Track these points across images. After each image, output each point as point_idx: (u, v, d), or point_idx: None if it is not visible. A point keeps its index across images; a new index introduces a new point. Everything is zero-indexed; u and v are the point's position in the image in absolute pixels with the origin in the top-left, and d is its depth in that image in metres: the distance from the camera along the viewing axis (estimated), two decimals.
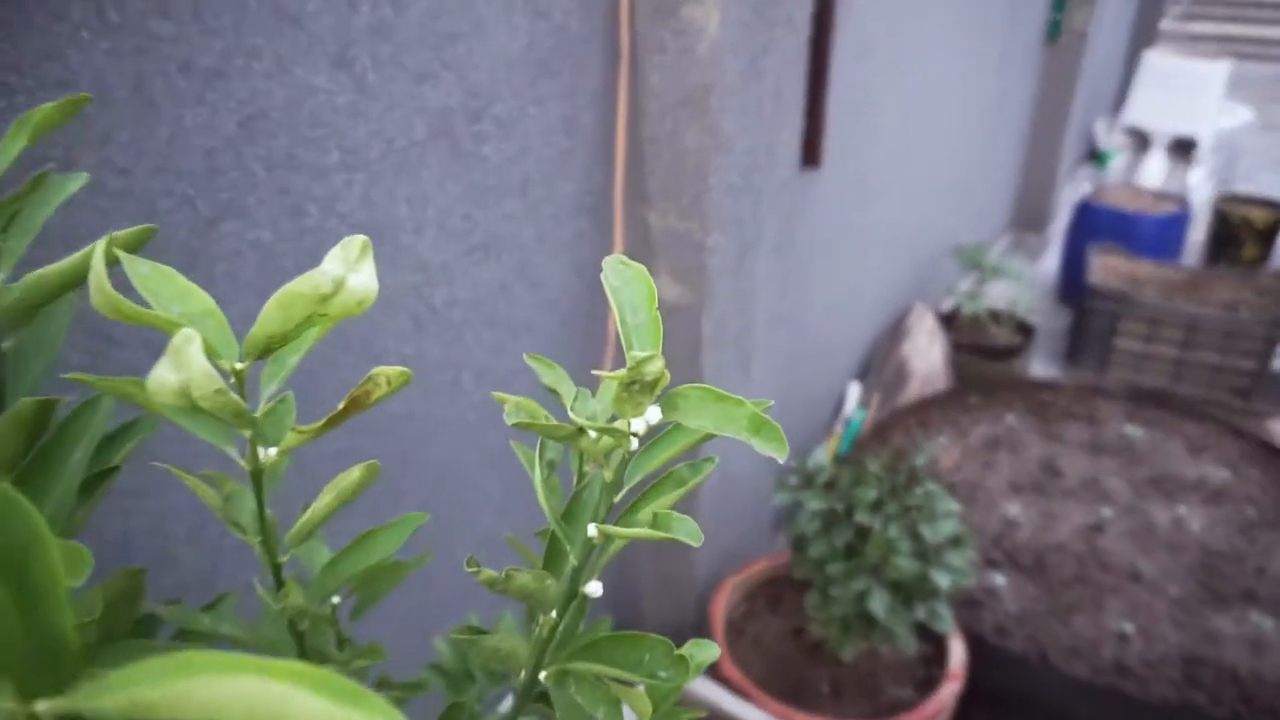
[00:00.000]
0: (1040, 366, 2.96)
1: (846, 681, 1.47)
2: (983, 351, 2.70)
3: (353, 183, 0.94)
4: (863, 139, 2.03)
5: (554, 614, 0.42)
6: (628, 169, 1.33)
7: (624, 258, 0.37)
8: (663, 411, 0.36)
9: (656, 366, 0.33)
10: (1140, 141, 4.04)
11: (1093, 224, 3.19)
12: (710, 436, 0.37)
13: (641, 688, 0.40)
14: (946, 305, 3.05)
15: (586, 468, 0.48)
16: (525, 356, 0.46)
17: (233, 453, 0.38)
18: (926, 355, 2.58)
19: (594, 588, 0.41)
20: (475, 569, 0.34)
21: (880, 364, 2.51)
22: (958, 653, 1.48)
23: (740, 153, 1.29)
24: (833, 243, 2.04)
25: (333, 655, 0.48)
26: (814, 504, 1.34)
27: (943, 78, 2.48)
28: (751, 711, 1.33)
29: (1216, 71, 3.72)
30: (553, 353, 1.34)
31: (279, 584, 0.41)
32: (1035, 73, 3.60)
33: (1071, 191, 4.22)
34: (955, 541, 1.37)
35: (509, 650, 0.40)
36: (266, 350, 0.31)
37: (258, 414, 0.36)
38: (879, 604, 1.28)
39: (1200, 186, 3.78)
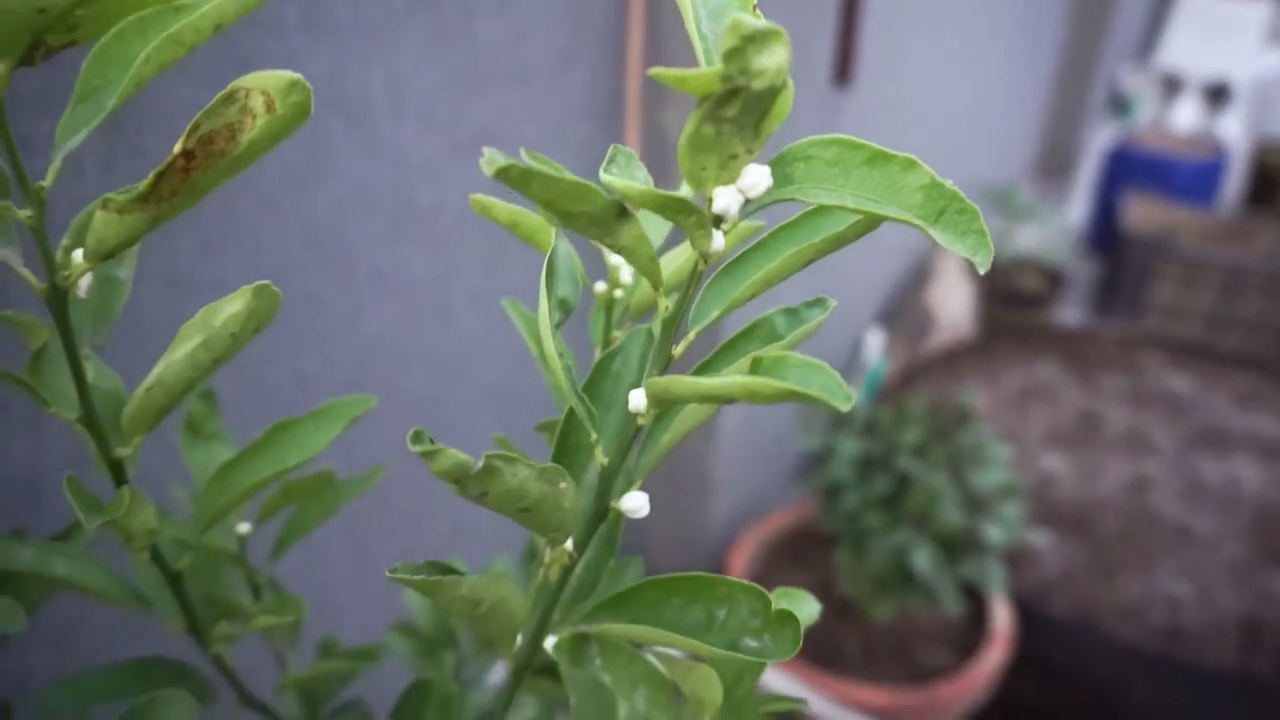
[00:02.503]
0: (1068, 316, 2.81)
1: (878, 644, 1.33)
2: (1009, 299, 2.54)
3: (317, 48, 0.77)
4: (894, 63, 1.85)
5: (569, 544, 0.26)
6: (644, 67, 1.15)
7: None
8: (773, 179, 0.20)
9: (776, 57, 0.17)
10: (1170, 87, 3.84)
11: (1125, 170, 3.01)
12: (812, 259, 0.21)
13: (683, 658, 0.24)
14: None
15: (617, 333, 0.31)
16: (524, 152, 0.30)
17: (13, 257, 0.22)
18: (951, 302, 2.41)
19: (635, 502, 0.25)
20: (427, 447, 0.19)
21: (902, 311, 2.35)
22: (1002, 616, 1.34)
23: None
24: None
25: (240, 606, 0.32)
26: (849, 448, 1.19)
27: (971, 14, 2.31)
28: (771, 676, 1.19)
29: (1255, 14, 3.52)
30: None
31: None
32: (1064, 12, 3.40)
33: (1094, 139, 4.03)
34: (1006, 492, 1.22)
35: (495, 602, 0.25)
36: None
37: (43, 183, 0.20)
38: (922, 559, 1.13)
39: (1236, 133, 3.60)
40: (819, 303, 0.26)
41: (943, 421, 1.22)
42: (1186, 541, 1.62)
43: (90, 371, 0.24)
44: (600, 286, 0.32)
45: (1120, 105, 4.06)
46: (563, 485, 0.23)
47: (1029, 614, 1.43)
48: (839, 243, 0.23)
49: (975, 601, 1.37)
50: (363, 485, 0.38)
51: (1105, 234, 2.90)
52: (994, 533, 1.15)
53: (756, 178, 0.20)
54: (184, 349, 0.24)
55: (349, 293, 0.90)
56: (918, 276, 2.46)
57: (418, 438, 0.19)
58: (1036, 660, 1.44)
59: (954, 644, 1.35)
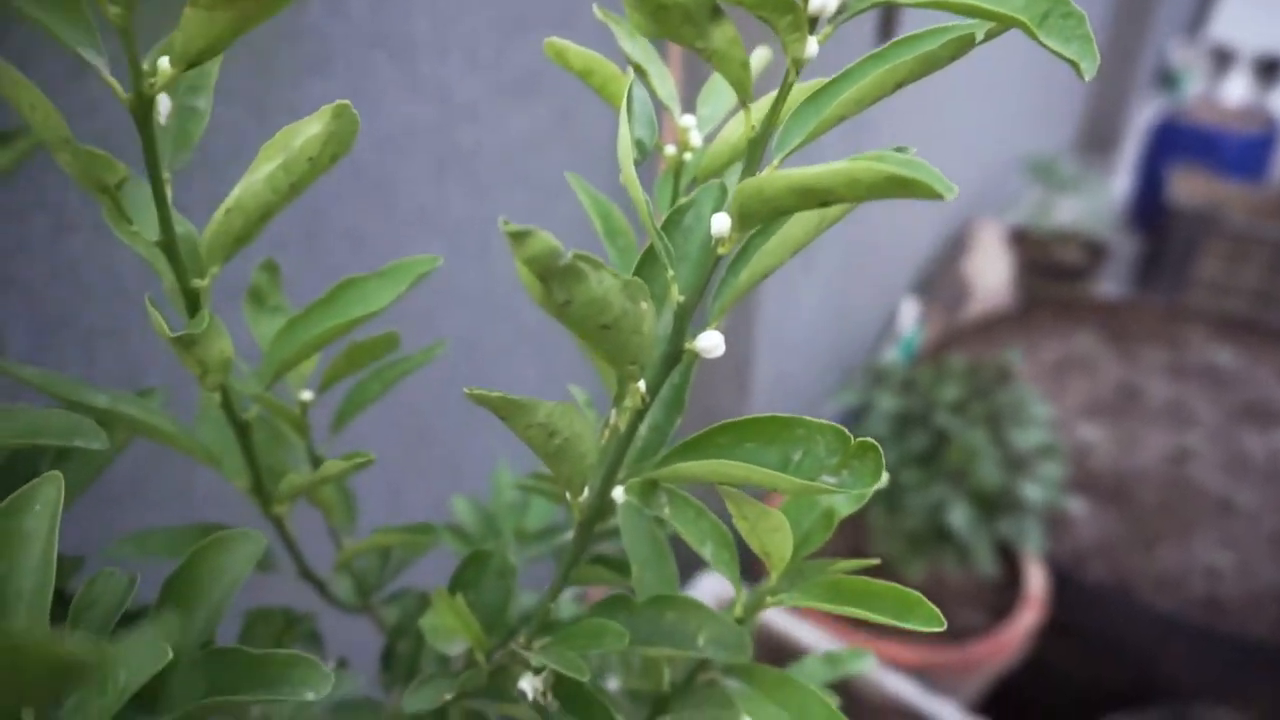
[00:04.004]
0: (1109, 291, 2.75)
1: None
2: (1049, 271, 2.50)
3: None
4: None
5: (641, 384, 0.25)
6: None
7: None
8: None
9: None
10: (1220, 60, 3.73)
11: (1172, 144, 2.94)
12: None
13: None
14: (1010, 220, 2.83)
15: (681, 200, 0.31)
16: (597, 9, 0.29)
17: (101, 66, 0.22)
18: (989, 272, 2.37)
19: (710, 341, 0.25)
20: (516, 228, 0.18)
21: (938, 280, 2.32)
22: (1036, 579, 1.33)
23: None
24: (898, 136, 1.84)
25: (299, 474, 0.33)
26: (887, 404, 1.17)
27: None
28: (807, 631, 1.19)
29: None
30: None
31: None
32: None
33: (1140, 114, 3.93)
34: (1046, 451, 1.20)
35: (570, 435, 0.24)
36: None
37: None
38: (959, 516, 1.12)
39: None
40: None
41: (982, 380, 1.20)
42: (1227, 513, 1.59)
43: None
44: (670, 149, 0.32)
45: (1168, 79, 3.96)
46: (644, 305, 0.22)
47: (1064, 581, 1.42)
48: (930, 64, 0.23)
49: (1009, 565, 1.36)
50: (424, 359, 0.38)
51: (1150, 209, 2.83)
52: (1032, 491, 1.13)
53: None
54: (263, 171, 0.24)
55: (390, 230, 0.90)
56: (955, 247, 2.42)
57: (506, 222, 0.19)
58: (1071, 627, 1.43)
59: (987, 606, 1.34)
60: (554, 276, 0.20)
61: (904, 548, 1.25)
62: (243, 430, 0.30)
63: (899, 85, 0.23)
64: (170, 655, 0.20)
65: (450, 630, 0.31)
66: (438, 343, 0.38)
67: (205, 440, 0.32)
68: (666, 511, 0.27)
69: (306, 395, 0.34)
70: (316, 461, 0.35)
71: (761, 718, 0.28)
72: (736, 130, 0.31)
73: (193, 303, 0.26)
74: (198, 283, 0.26)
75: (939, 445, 1.18)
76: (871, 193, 0.19)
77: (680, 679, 0.33)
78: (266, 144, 0.24)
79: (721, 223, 0.23)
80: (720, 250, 0.24)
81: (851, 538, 1.40)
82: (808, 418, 0.25)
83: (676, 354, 0.25)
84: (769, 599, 0.30)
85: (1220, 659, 1.40)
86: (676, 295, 0.25)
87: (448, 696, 0.30)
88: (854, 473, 0.23)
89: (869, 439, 0.23)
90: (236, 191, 0.25)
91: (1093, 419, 1.82)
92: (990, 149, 2.59)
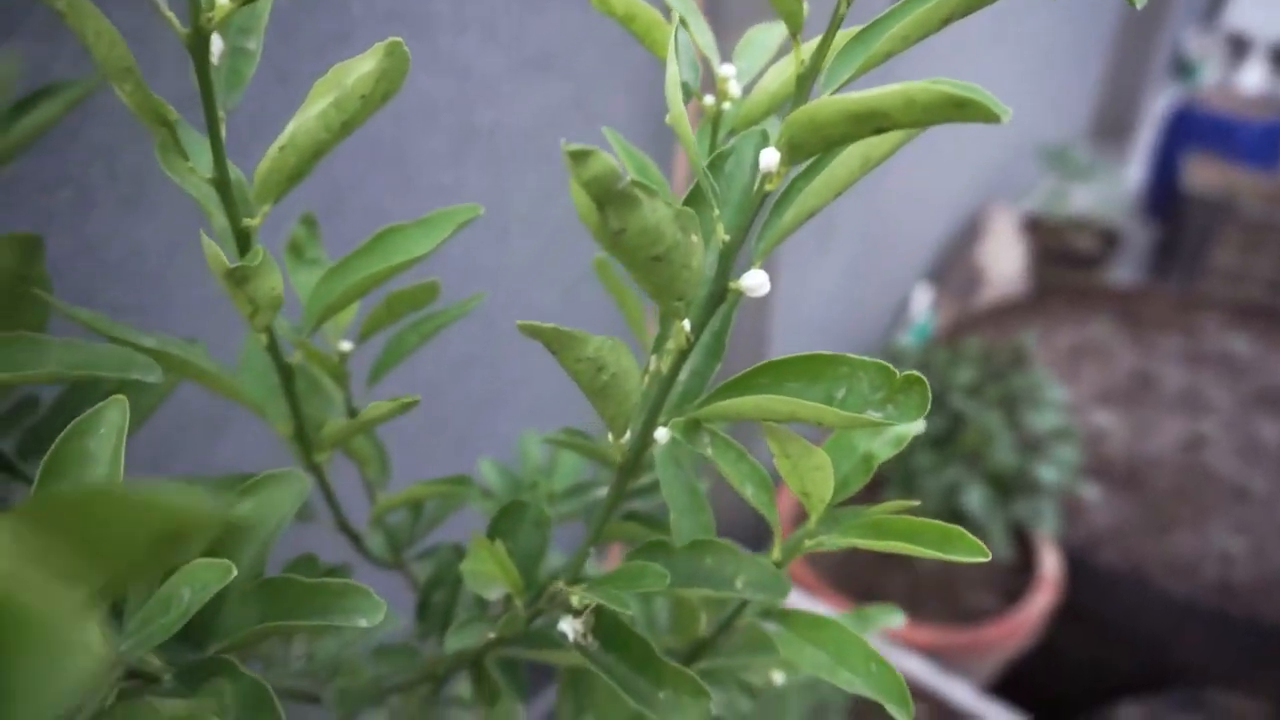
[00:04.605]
0: (1123, 280, 2.74)
1: (923, 586, 1.32)
2: (1063, 259, 2.49)
3: None
4: None
5: (686, 323, 0.26)
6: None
7: None
8: None
9: None
10: (1237, 48, 3.70)
11: (1187, 131, 2.92)
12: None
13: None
14: (1024, 207, 2.82)
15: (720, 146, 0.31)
16: None
17: (161, 3, 0.22)
18: (1002, 260, 2.37)
19: (756, 279, 0.25)
20: (577, 148, 0.19)
21: (951, 267, 2.31)
22: (1050, 562, 1.33)
23: None
24: None
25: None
26: None
27: None
28: (821, 610, 1.19)
29: None
30: None
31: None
32: None
33: (1155, 103, 3.90)
34: (1061, 434, 1.20)
35: (617, 371, 0.25)
36: None
37: None
38: (974, 498, 1.12)
39: None
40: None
41: (997, 362, 1.20)
42: (1242, 499, 1.59)
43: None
44: (708, 100, 0.32)
45: (1184, 68, 3.93)
46: (694, 238, 0.22)
47: (1078, 566, 1.42)
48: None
49: (1022, 549, 1.36)
50: (462, 310, 0.38)
51: (1164, 198, 2.82)
52: (1048, 473, 1.13)
53: None
54: (316, 108, 0.25)
55: (409, 208, 0.90)
56: (968, 234, 2.41)
57: (567, 142, 0.19)
58: (1084, 612, 1.43)
59: (1000, 589, 1.34)
60: (611, 201, 0.20)
61: None
62: (287, 375, 0.30)
63: (945, 21, 0.23)
64: (234, 571, 0.21)
65: (489, 576, 0.32)
66: (475, 295, 0.38)
67: (247, 389, 0.32)
68: (709, 451, 0.27)
69: (345, 346, 0.34)
70: (353, 414, 0.36)
71: (800, 659, 0.29)
72: (776, 80, 0.31)
73: (244, 242, 0.26)
74: (249, 222, 0.26)
75: (954, 427, 1.18)
76: (927, 114, 0.19)
77: (716, 629, 0.33)
78: (319, 81, 0.25)
79: (770, 157, 0.23)
80: (768, 186, 0.24)
81: None
82: (851, 355, 0.25)
83: (721, 293, 0.26)
84: (807, 542, 0.30)
85: (1233, 644, 1.40)
86: (722, 234, 0.25)
87: (491, 635, 0.31)
88: (899, 407, 0.24)
89: (914, 372, 0.23)
90: (290, 128, 0.25)
91: (1107, 405, 1.82)
92: (1004, 136, 2.57)
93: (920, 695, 1.17)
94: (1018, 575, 1.36)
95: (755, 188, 0.25)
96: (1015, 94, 2.56)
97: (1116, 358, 1.98)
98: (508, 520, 0.34)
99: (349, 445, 0.36)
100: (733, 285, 0.26)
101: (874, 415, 0.24)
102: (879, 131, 0.20)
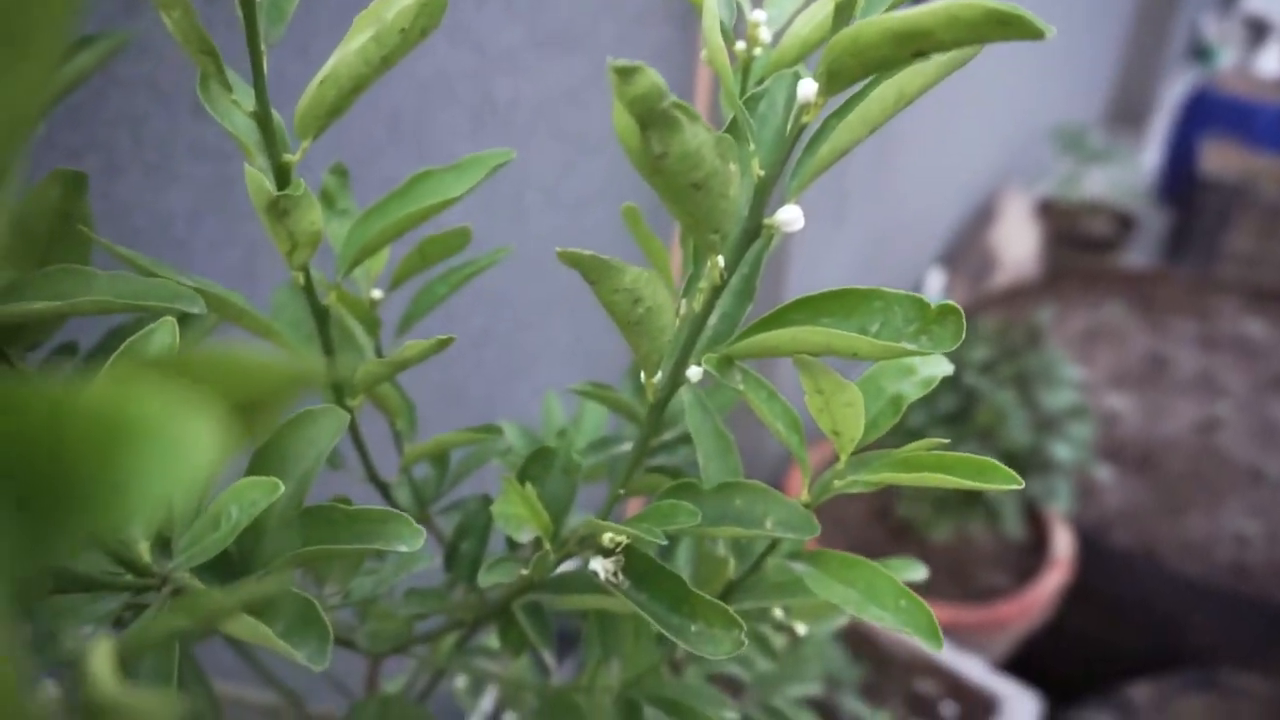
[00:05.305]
0: (1137, 264, 2.72)
1: (936, 566, 1.33)
2: (1077, 242, 2.47)
3: None
4: None
5: (720, 259, 0.26)
6: None
7: None
8: None
9: None
10: (1256, 32, 3.66)
11: (1205, 115, 2.89)
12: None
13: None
14: (1039, 191, 2.80)
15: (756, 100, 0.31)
16: None
17: None
18: (1016, 243, 2.36)
19: (790, 214, 0.26)
20: (625, 64, 0.19)
21: (964, 251, 2.30)
22: (1063, 541, 1.33)
23: None
24: (926, 106, 1.82)
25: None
26: None
27: None
28: None
29: None
30: (633, 180, 1.17)
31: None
32: None
33: (1171, 88, 3.87)
34: (1075, 413, 1.20)
35: (652, 305, 0.25)
36: None
37: None
38: None
39: None
40: None
41: (1011, 341, 1.20)
42: (1257, 482, 1.58)
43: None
44: (740, 46, 0.32)
45: (1201, 52, 3.89)
46: (732, 167, 0.23)
47: (1090, 546, 1.42)
48: None
49: (1035, 529, 1.36)
50: (490, 261, 0.38)
51: (1180, 182, 2.80)
52: (1062, 450, 1.13)
53: None
54: (355, 43, 0.25)
55: None
56: (981, 218, 2.40)
57: (614, 60, 0.19)
58: (1096, 593, 1.43)
59: (1012, 568, 1.35)
60: (654, 122, 0.20)
61: (931, 509, 1.26)
62: (322, 316, 0.31)
63: None
64: (281, 488, 0.21)
65: (520, 518, 0.32)
66: (503, 247, 0.38)
67: (279, 324, 0.33)
68: (741, 387, 0.28)
69: (377, 293, 0.35)
70: None
71: (831, 596, 0.29)
72: (807, 25, 0.31)
73: (283, 177, 0.27)
74: (288, 157, 0.26)
75: (968, 405, 1.18)
76: (970, 32, 0.19)
77: (745, 571, 0.34)
78: (359, 15, 0.25)
79: (808, 87, 0.23)
80: (804, 118, 0.24)
81: (878, 498, 1.40)
82: (885, 289, 0.25)
83: (756, 228, 0.26)
84: (837, 483, 0.30)
85: (1246, 624, 1.40)
86: (757, 169, 0.26)
87: (523, 572, 0.31)
88: (934, 337, 0.24)
89: (950, 302, 0.23)
90: (331, 62, 0.25)
91: (1120, 388, 1.82)
92: (1018, 119, 2.56)
93: (932, 671, 1.17)
94: (1031, 554, 1.36)
95: (790, 126, 0.25)
96: (1031, 77, 2.54)
97: (1130, 341, 1.98)
98: (537, 465, 0.34)
99: (379, 396, 0.36)
100: (767, 221, 0.26)
101: (910, 346, 0.24)
102: (920, 54, 0.20)
